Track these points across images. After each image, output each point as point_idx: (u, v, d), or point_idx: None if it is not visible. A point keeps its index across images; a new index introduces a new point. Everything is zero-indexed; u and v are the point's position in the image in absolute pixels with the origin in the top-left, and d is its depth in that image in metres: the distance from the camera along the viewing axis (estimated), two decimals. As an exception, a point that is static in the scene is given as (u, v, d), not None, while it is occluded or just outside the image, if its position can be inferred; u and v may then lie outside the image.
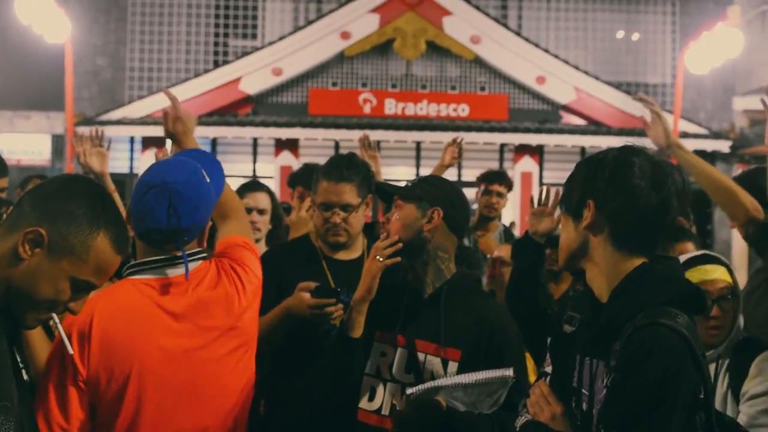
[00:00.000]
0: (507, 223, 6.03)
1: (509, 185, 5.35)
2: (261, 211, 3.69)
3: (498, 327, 2.49)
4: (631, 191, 1.85)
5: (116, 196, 3.42)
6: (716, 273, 2.74)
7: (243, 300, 2.24)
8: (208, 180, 2.20)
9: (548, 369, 2.12)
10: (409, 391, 2.24)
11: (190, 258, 2.18)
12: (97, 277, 1.70)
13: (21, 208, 1.66)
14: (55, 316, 1.74)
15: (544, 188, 3.06)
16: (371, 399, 2.50)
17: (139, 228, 2.14)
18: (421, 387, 2.24)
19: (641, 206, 1.85)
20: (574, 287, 3.97)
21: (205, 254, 2.27)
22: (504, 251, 4.09)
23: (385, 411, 2.46)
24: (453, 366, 2.44)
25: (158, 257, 2.16)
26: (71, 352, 1.89)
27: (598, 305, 1.94)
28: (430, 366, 2.45)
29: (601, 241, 1.90)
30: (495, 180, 5.30)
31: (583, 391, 1.92)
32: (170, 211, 2.09)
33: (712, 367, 2.67)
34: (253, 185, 3.71)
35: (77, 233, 1.64)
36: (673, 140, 3.08)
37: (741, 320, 2.74)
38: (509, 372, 2.27)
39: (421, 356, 2.47)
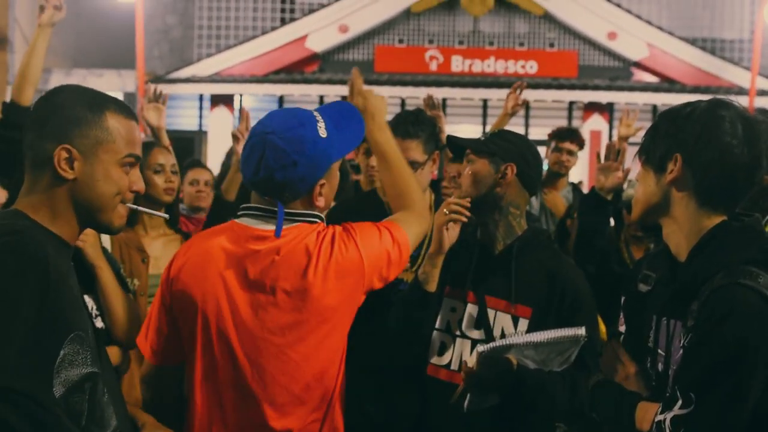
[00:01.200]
0: (576, 180, 5.91)
1: (581, 144, 5.25)
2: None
3: (570, 285, 2.46)
4: (723, 147, 1.78)
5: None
6: None
7: (319, 271, 2.04)
8: (323, 135, 2.05)
9: (622, 328, 2.09)
10: (480, 348, 2.24)
11: (291, 217, 2.07)
12: (132, 146, 1.78)
13: (30, 147, 1.72)
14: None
15: (613, 143, 2.99)
16: (440, 354, 2.51)
17: (242, 175, 2.13)
18: (492, 344, 2.24)
19: (732, 163, 1.78)
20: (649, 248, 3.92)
21: (314, 217, 2.12)
22: None
23: (455, 366, 2.47)
24: (523, 323, 2.43)
25: (258, 206, 2.10)
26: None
27: (676, 264, 1.90)
28: (500, 323, 2.45)
29: (685, 197, 1.85)
30: (567, 137, 5.20)
31: (659, 351, 1.89)
32: (262, 164, 2.01)
33: None
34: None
35: (93, 127, 1.71)
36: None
37: None
38: (581, 331, 2.24)
39: (491, 312, 2.46)
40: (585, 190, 6.60)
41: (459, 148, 2.61)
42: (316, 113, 2.11)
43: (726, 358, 1.66)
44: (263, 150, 2.01)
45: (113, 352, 2.46)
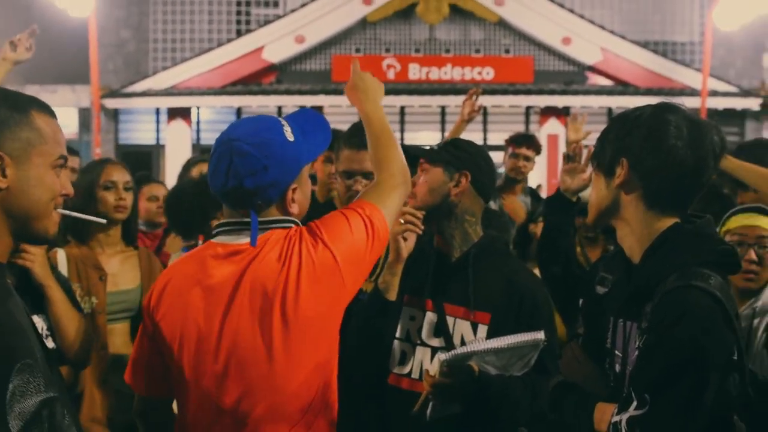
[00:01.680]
0: (534, 184, 5.96)
1: (537, 149, 5.29)
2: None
3: (527, 290, 2.47)
4: (668, 151, 1.81)
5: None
6: (759, 221, 2.72)
7: (291, 280, 1.95)
8: (291, 138, 2.00)
9: (581, 330, 2.11)
10: (442, 356, 2.24)
11: (266, 225, 2.00)
12: (61, 146, 1.68)
13: None
14: None
15: (577, 145, 3.02)
16: (402, 363, 2.52)
17: (211, 188, 2.03)
18: (454, 352, 2.24)
19: (677, 166, 1.81)
20: (607, 250, 3.97)
21: (288, 223, 2.04)
22: None
23: (415, 375, 2.48)
24: (482, 329, 2.44)
25: (232, 220, 2.03)
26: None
27: (631, 266, 1.92)
28: (460, 329, 2.46)
29: (633, 200, 1.87)
30: (523, 143, 5.23)
31: (617, 352, 1.91)
32: (231, 172, 1.94)
33: (745, 323, 2.66)
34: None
35: (20, 127, 1.60)
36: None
37: None
38: (540, 335, 2.23)
39: (450, 320, 2.47)
40: (543, 194, 6.67)
41: (412, 157, 2.62)
42: (281, 119, 2.07)
43: (679, 360, 1.68)
44: (230, 158, 1.94)
45: (62, 373, 2.42)
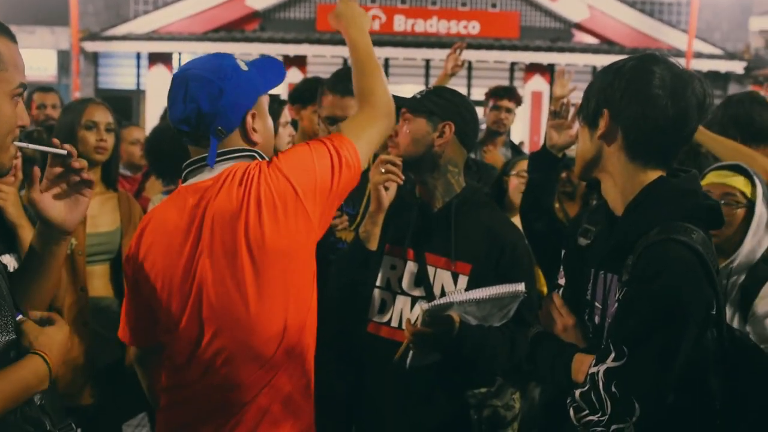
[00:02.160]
0: (517, 141, 5.96)
1: (518, 101, 5.27)
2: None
3: (509, 241, 2.49)
4: (647, 100, 1.79)
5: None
6: (732, 180, 2.72)
7: (252, 210, 1.94)
8: (244, 68, 2.02)
9: (561, 282, 2.12)
10: (424, 306, 2.25)
11: (228, 155, 2.01)
12: (20, 73, 1.62)
13: None
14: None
15: (564, 100, 3.00)
16: (381, 311, 2.53)
17: (171, 121, 2.03)
18: (435, 302, 2.25)
19: (657, 116, 1.79)
20: (588, 205, 3.97)
21: (250, 153, 2.04)
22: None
23: (395, 323, 2.49)
24: (463, 280, 2.45)
25: (194, 158, 2.04)
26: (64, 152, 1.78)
27: (613, 219, 1.93)
28: (440, 279, 2.47)
29: (615, 152, 1.86)
30: (504, 95, 5.21)
31: (596, 304, 1.92)
32: (187, 98, 1.96)
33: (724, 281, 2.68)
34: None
35: None
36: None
37: (757, 248, 2.71)
38: (521, 287, 2.26)
39: (431, 270, 2.48)
40: (526, 150, 6.66)
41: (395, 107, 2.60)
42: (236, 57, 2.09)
43: (658, 313, 1.69)
44: (186, 84, 1.96)
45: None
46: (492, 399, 2.54)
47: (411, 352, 2.31)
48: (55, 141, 1.77)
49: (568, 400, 1.82)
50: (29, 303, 1.81)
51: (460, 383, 2.50)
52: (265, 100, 2.10)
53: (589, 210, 2.16)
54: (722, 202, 2.66)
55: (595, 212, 2.07)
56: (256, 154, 2.05)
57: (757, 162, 3.11)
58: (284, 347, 2.00)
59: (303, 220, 1.97)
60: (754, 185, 2.66)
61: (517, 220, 4.00)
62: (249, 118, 2.02)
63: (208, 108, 1.95)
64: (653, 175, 1.86)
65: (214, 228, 1.95)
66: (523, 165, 4.12)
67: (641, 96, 1.80)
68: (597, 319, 1.92)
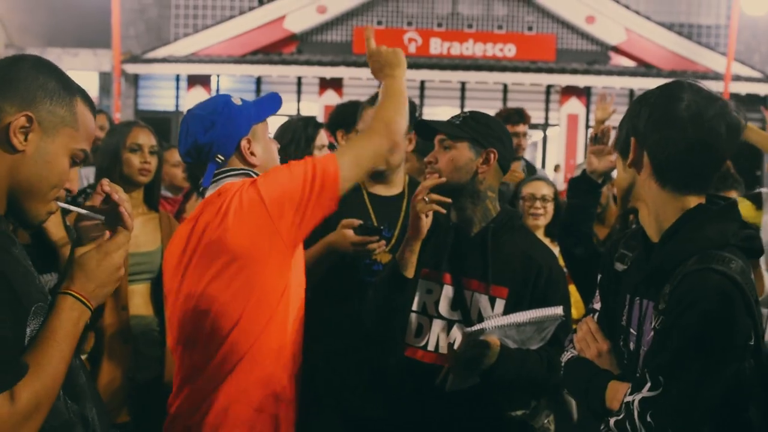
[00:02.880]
0: (553, 164, 5.95)
1: (529, 121, 5.30)
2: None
3: (544, 264, 2.49)
4: (668, 124, 1.78)
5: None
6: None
7: (220, 214, 2.14)
8: (237, 103, 2.30)
9: (597, 306, 2.11)
10: (465, 330, 2.25)
11: (224, 174, 2.26)
12: (87, 143, 1.65)
13: None
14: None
15: (604, 126, 2.99)
16: (418, 335, 2.52)
17: (181, 158, 2.34)
18: (478, 326, 2.26)
19: (678, 140, 1.78)
20: (620, 228, 3.95)
21: (243, 172, 2.28)
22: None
23: (431, 347, 2.49)
24: (500, 303, 2.46)
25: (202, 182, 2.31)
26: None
27: (650, 245, 1.92)
28: (477, 303, 2.47)
29: (646, 179, 1.85)
30: (519, 121, 5.19)
31: (632, 330, 1.91)
32: (188, 134, 2.26)
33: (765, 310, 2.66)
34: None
35: (61, 104, 1.57)
36: None
37: None
38: (559, 310, 2.27)
39: (468, 294, 2.48)
40: (561, 174, 6.64)
41: (430, 131, 2.61)
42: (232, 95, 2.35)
43: (695, 343, 1.67)
44: (187, 124, 2.27)
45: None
46: (529, 421, 2.55)
47: (451, 375, 2.32)
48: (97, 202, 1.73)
49: (602, 427, 1.82)
50: None
51: (498, 406, 2.51)
52: (261, 128, 2.34)
53: (627, 235, 2.15)
54: None
55: (632, 237, 2.06)
56: (251, 173, 2.28)
57: None
58: (232, 345, 2.16)
59: (265, 225, 2.13)
60: (759, 210, 2.66)
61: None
62: (244, 143, 2.27)
63: (203, 139, 2.24)
64: (690, 202, 1.85)
65: (195, 236, 2.19)
66: (532, 186, 4.09)
67: (663, 120, 1.80)
68: (632, 345, 1.90)
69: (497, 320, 2.27)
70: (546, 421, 2.59)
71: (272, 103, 2.39)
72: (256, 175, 2.27)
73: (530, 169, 5.37)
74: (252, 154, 2.28)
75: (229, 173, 2.27)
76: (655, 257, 1.85)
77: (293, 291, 2.24)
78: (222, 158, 2.25)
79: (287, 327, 2.23)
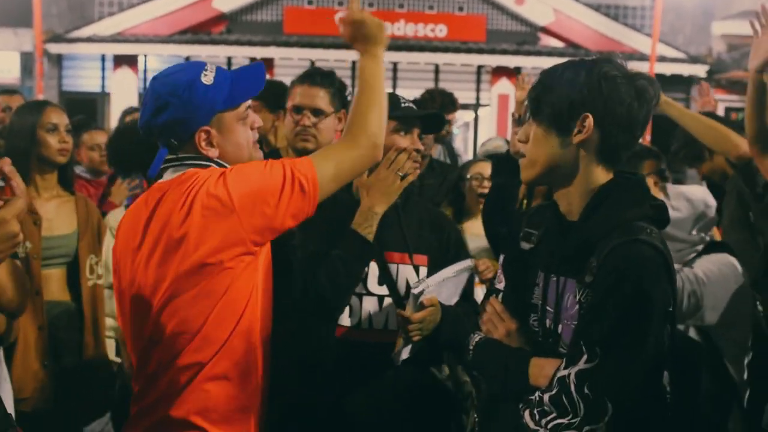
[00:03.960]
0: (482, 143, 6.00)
1: (456, 104, 5.35)
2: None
3: (449, 227, 2.66)
4: (627, 105, 1.81)
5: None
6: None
7: (184, 209, 1.95)
8: (206, 81, 2.03)
9: (500, 286, 2.12)
10: (413, 291, 2.24)
11: (180, 162, 2.05)
12: None
13: None
14: None
15: (526, 106, 3.02)
16: (350, 315, 2.48)
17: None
18: (420, 287, 2.25)
19: (633, 120, 1.83)
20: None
21: (206, 161, 2.06)
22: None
23: (365, 325, 2.47)
24: (423, 271, 2.51)
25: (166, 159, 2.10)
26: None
27: (565, 222, 1.93)
28: (404, 274, 2.50)
29: (588, 157, 1.86)
30: (453, 110, 5.29)
31: (548, 308, 1.92)
32: (146, 108, 2.04)
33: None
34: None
35: None
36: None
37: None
38: (470, 262, 2.43)
39: (392, 267, 2.50)
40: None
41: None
42: (210, 66, 2.08)
43: (630, 312, 1.71)
44: (147, 93, 2.05)
45: None
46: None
47: (408, 345, 2.32)
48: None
49: (523, 405, 1.82)
50: None
51: (428, 371, 2.58)
52: (231, 116, 2.07)
53: (529, 214, 2.16)
54: None
55: (535, 215, 2.08)
56: (212, 164, 2.05)
57: (730, 139, 3.19)
58: (201, 341, 1.97)
59: (232, 225, 1.94)
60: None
61: (475, 222, 4.04)
62: (199, 135, 2.03)
63: (157, 122, 2.02)
64: (605, 177, 1.88)
65: (155, 226, 1.98)
66: (478, 167, 4.15)
67: (621, 100, 1.81)
68: (548, 322, 1.92)
69: (431, 279, 2.29)
70: (463, 374, 2.67)
71: (249, 86, 2.12)
72: (225, 165, 2.06)
73: (452, 156, 5.43)
74: (209, 145, 2.05)
75: (187, 161, 2.05)
76: (577, 233, 1.87)
77: (261, 295, 2.08)
78: (174, 144, 2.04)
79: (255, 334, 2.06)
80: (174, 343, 1.98)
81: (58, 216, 3.12)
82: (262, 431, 2.15)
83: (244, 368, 2.04)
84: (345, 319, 2.49)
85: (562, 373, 1.75)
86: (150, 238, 1.99)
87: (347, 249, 2.39)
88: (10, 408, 1.91)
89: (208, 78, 2.03)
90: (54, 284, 3.06)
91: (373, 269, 2.49)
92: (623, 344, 1.71)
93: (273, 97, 3.88)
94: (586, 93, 1.83)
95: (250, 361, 2.06)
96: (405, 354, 2.36)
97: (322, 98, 2.98)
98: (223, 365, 2.00)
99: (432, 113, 2.69)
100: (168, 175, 2.07)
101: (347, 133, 2.12)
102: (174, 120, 2.01)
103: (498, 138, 5.23)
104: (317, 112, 2.96)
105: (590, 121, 1.83)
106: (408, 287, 2.48)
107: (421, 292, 2.26)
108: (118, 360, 3.32)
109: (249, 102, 2.13)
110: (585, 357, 1.72)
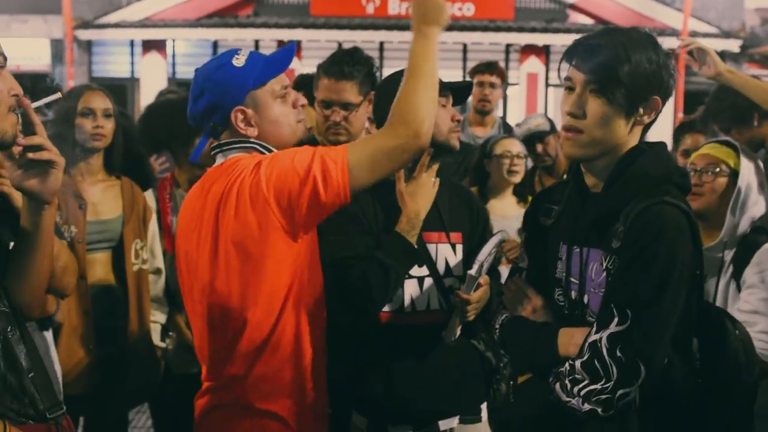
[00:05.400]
0: (513, 123, 5.87)
1: (502, 75, 5.12)
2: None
3: (477, 204, 2.73)
4: (673, 82, 1.83)
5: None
6: (717, 151, 2.77)
7: (225, 197, 2.01)
8: (238, 64, 2.11)
9: (523, 265, 2.12)
10: (470, 273, 2.33)
11: (227, 146, 2.13)
12: None
13: None
14: None
15: None
16: (393, 300, 2.43)
17: None
18: (475, 266, 2.33)
19: (665, 83, 1.85)
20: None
21: (248, 144, 2.12)
22: None
23: (408, 309, 2.46)
24: (459, 249, 2.54)
25: (213, 145, 2.20)
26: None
27: (586, 194, 1.93)
28: (443, 253, 2.51)
29: (636, 134, 1.88)
30: (485, 70, 5.06)
31: (572, 279, 1.92)
32: (190, 98, 2.17)
33: (718, 255, 2.71)
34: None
35: None
36: (721, 67, 3.10)
37: (743, 219, 2.73)
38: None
39: (431, 247, 2.50)
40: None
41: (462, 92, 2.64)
42: (244, 51, 2.17)
43: (659, 274, 1.71)
44: (191, 83, 2.17)
45: (49, 300, 2.41)
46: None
47: (457, 325, 2.40)
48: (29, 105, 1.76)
49: (552, 378, 1.83)
50: (26, 283, 1.85)
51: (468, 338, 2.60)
52: (264, 93, 2.13)
53: (548, 190, 2.17)
54: (708, 171, 2.72)
55: (554, 191, 2.09)
56: (255, 146, 2.12)
57: None
58: (243, 345, 2.05)
59: (267, 218, 1.98)
60: (738, 157, 2.72)
61: (501, 202, 4.00)
62: (235, 115, 2.11)
63: (197, 110, 2.14)
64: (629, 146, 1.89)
65: (207, 215, 2.05)
66: (506, 144, 4.07)
67: (675, 79, 1.84)
68: (573, 294, 1.92)
69: (480, 256, 2.33)
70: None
71: (281, 62, 2.17)
72: (267, 151, 2.11)
73: (506, 127, 5.28)
74: (247, 125, 2.11)
75: (232, 145, 2.13)
76: (602, 201, 1.87)
77: (307, 282, 2.10)
78: (217, 127, 2.14)
79: (302, 320, 2.10)
80: (224, 330, 2.07)
81: (104, 200, 3.14)
82: (314, 412, 2.19)
83: (292, 352, 2.09)
84: (388, 305, 2.46)
85: (594, 337, 1.75)
86: (204, 226, 2.06)
87: (393, 254, 2.36)
88: (60, 391, 1.96)
89: (239, 61, 2.11)
90: (99, 268, 3.08)
91: None
92: (654, 307, 1.71)
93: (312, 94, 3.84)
94: (659, 75, 1.82)
95: (298, 345, 2.10)
96: (458, 333, 2.41)
97: (349, 91, 2.94)
98: (272, 350, 2.06)
99: (462, 82, 2.64)
100: (218, 161, 2.15)
101: (388, 121, 2.03)
102: (211, 104, 2.10)
103: (539, 115, 5.00)
104: (347, 106, 2.94)
105: (659, 103, 1.84)
106: (446, 266, 2.51)
107: (479, 273, 2.30)
108: (162, 345, 3.34)
109: (286, 81, 2.18)
110: (616, 320, 1.72)
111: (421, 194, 2.42)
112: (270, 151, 2.12)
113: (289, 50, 2.21)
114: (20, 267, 1.84)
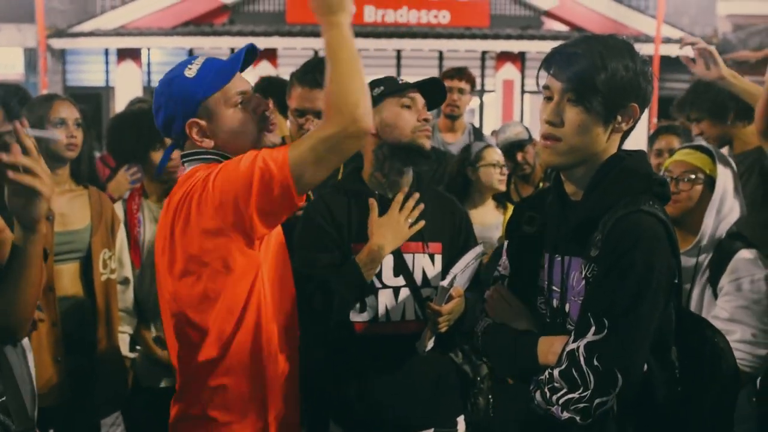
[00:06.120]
0: (489, 130, 5.87)
1: (471, 81, 5.07)
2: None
3: (460, 213, 2.64)
4: (652, 88, 1.83)
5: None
6: (693, 158, 2.78)
7: (175, 206, 2.02)
8: (189, 75, 2.09)
9: (504, 272, 2.11)
10: (442, 284, 2.29)
11: (189, 158, 2.14)
12: None
13: None
14: None
15: None
16: (363, 310, 2.44)
17: None
18: (448, 278, 2.29)
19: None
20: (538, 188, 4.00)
21: (209, 155, 2.11)
22: None
23: (382, 318, 2.45)
24: (438, 259, 2.50)
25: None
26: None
27: (569, 202, 1.93)
28: (420, 264, 2.48)
29: (614, 142, 1.88)
30: (455, 76, 5.01)
31: (554, 288, 1.92)
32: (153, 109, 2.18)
33: (692, 260, 2.70)
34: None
35: None
36: (725, 71, 3.11)
37: (721, 225, 2.73)
38: (480, 248, 2.44)
39: (408, 257, 2.47)
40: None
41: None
42: (200, 59, 2.16)
43: (636, 283, 1.70)
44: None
45: None
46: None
47: (429, 337, 2.38)
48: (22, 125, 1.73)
49: (533, 386, 1.82)
50: (13, 306, 1.78)
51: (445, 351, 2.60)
52: (214, 103, 2.08)
53: (530, 199, 2.17)
54: (684, 179, 2.72)
55: (536, 200, 2.08)
56: (212, 156, 2.11)
57: None
58: (204, 356, 2.05)
59: (218, 227, 1.96)
60: (714, 164, 2.72)
61: (480, 210, 3.99)
62: (190, 128, 2.09)
63: (156, 122, 2.16)
64: (608, 154, 1.89)
65: (166, 223, 2.07)
66: (493, 154, 4.07)
67: (652, 87, 1.84)
68: (555, 302, 1.92)
69: (455, 269, 2.31)
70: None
71: (229, 66, 2.11)
72: (221, 156, 2.10)
73: (477, 134, 5.26)
74: (202, 136, 2.09)
75: (192, 156, 2.13)
76: (581, 210, 1.86)
77: (270, 301, 2.09)
78: (178, 140, 2.16)
79: (264, 329, 2.08)
80: (188, 340, 2.07)
81: (71, 210, 3.09)
82: (280, 423, 2.16)
83: (254, 363, 2.08)
84: (362, 315, 2.45)
85: (571, 346, 1.75)
86: (165, 237, 2.07)
87: (342, 282, 2.37)
88: (34, 408, 1.91)
89: (191, 71, 2.09)
90: (66, 279, 3.03)
91: (388, 261, 2.46)
92: (630, 315, 1.70)
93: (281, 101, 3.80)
94: (636, 83, 1.81)
95: (260, 356, 2.08)
96: (430, 344, 2.39)
97: (323, 99, 2.91)
98: (232, 360, 2.05)
99: (429, 79, 2.58)
100: (184, 171, 2.15)
101: (323, 115, 1.98)
102: (167, 117, 2.12)
103: (517, 123, 5.00)
104: (320, 115, 2.90)
105: (636, 110, 1.84)
106: (424, 276, 2.48)
107: (451, 284, 2.28)
108: (131, 355, 3.30)
109: (243, 87, 2.12)
110: (593, 329, 1.72)
111: (390, 230, 2.41)
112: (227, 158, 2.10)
113: (239, 55, 2.12)
114: (7, 290, 1.76)
